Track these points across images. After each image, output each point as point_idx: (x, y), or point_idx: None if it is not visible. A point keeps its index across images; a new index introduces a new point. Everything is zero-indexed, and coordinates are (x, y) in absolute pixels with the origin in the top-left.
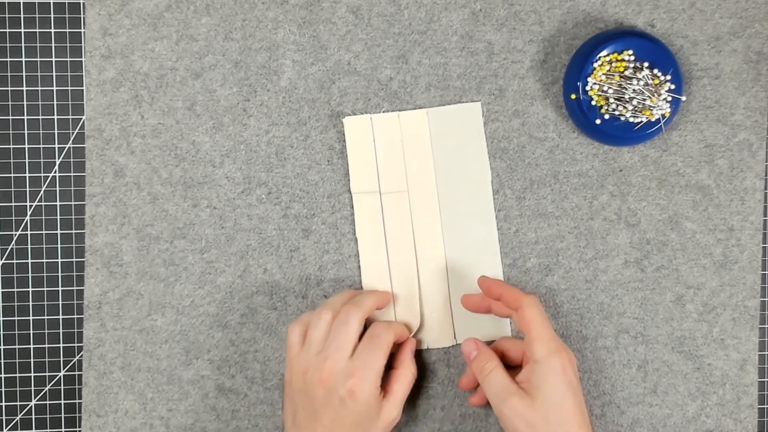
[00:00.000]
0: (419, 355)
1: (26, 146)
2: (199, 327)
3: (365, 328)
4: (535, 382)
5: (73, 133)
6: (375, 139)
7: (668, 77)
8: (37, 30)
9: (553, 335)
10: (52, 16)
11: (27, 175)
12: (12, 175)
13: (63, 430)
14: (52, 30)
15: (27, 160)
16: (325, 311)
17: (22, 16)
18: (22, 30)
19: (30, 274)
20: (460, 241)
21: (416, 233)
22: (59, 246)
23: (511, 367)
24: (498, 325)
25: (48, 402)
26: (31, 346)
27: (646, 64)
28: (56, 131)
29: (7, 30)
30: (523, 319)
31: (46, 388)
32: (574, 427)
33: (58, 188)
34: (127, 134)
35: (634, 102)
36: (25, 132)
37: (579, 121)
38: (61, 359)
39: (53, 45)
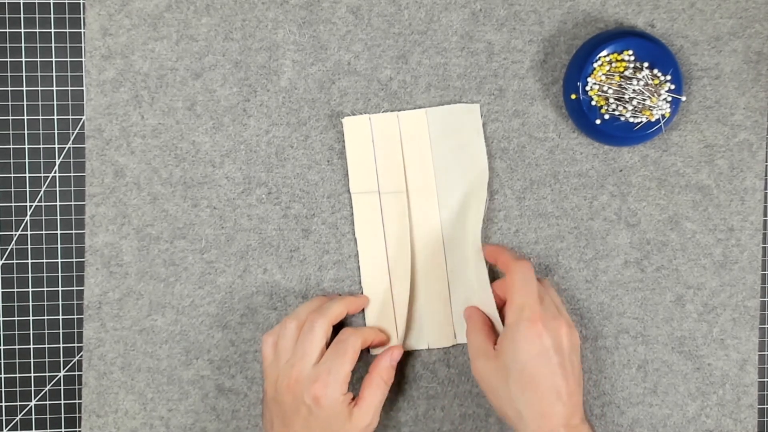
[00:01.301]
0: (420, 355)
1: (26, 146)
2: (199, 327)
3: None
4: (502, 346)
5: (73, 133)
6: (374, 139)
7: (668, 77)
8: (37, 30)
9: (533, 302)
10: (52, 16)
11: (27, 175)
12: (12, 175)
13: (63, 430)
14: (52, 30)
15: (27, 160)
16: (291, 320)
17: (22, 16)
18: (22, 30)
19: (30, 274)
20: (459, 241)
21: (415, 233)
22: (59, 246)
23: None
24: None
25: (48, 402)
26: (31, 346)
27: (646, 64)
28: (56, 131)
29: (7, 30)
30: (507, 286)
31: (46, 389)
32: (537, 397)
33: (58, 188)
34: (127, 134)
35: (634, 102)
36: (25, 132)
37: (579, 121)
38: (61, 359)
39: (53, 45)
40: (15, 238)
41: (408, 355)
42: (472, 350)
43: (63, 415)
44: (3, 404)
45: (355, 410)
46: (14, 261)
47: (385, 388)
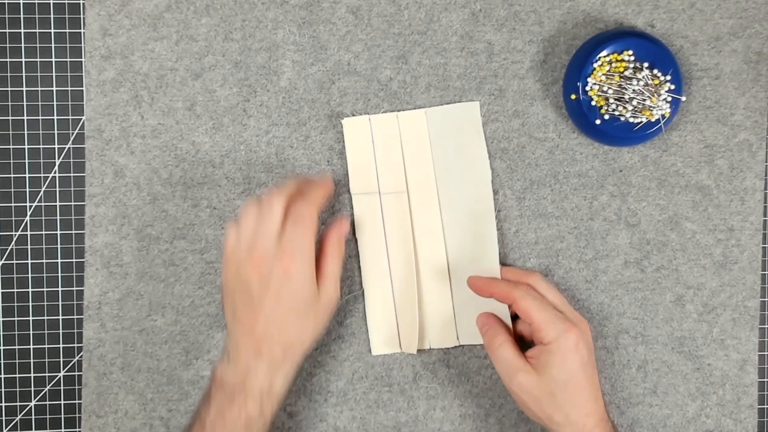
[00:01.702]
0: (420, 355)
1: (26, 146)
2: (199, 327)
3: None
4: (544, 361)
5: (73, 133)
6: (374, 139)
7: (668, 77)
8: (37, 30)
9: (556, 315)
10: (52, 16)
11: (27, 175)
12: (12, 175)
13: (63, 430)
14: (52, 30)
15: (27, 160)
16: (251, 205)
17: (22, 16)
18: (22, 30)
19: (30, 275)
20: (460, 241)
21: (416, 233)
22: (59, 246)
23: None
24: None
25: (48, 402)
26: (31, 346)
27: (646, 65)
28: (56, 131)
29: (7, 30)
30: (520, 312)
31: (46, 389)
32: (582, 400)
33: (58, 188)
34: (127, 134)
35: (634, 102)
36: (25, 132)
37: (579, 122)
38: (61, 359)
39: (53, 45)
40: (15, 238)
41: (408, 355)
42: (506, 366)
43: (63, 416)
44: (3, 404)
45: (321, 285)
46: (14, 261)
47: (340, 259)
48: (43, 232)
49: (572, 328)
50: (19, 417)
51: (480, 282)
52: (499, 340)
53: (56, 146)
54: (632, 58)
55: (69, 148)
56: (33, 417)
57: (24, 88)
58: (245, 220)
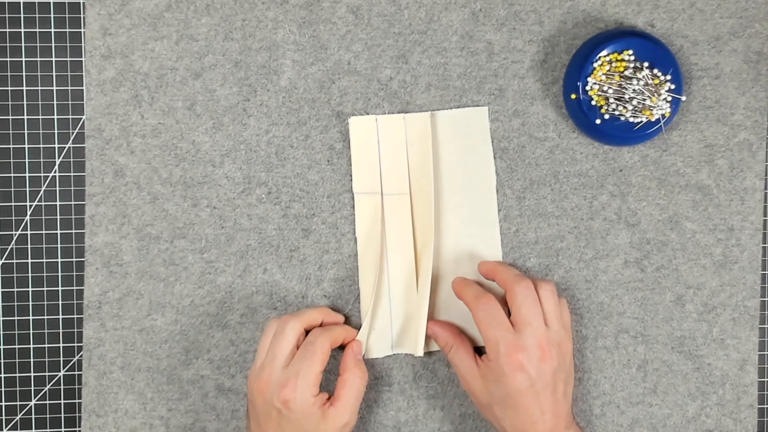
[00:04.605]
0: (419, 357)
1: (26, 146)
2: (199, 327)
3: None
4: (485, 369)
5: (73, 133)
6: (379, 140)
7: (668, 77)
8: (37, 30)
9: (507, 336)
10: (52, 16)
11: (27, 175)
12: (12, 175)
13: (63, 430)
14: (52, 30)
15: (27, 160)
16: (271, 325)
17: (22, 16)
18: (22, 30)
19: (30, 274)
20: (463, 245)
21: (416, 235)
22: (59, 246)
23: None
24: None
25: (48, 402)
26: (31, 346)
27: (646, 64)
28: (56, 131)
29: (7, 30)
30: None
31: (46, 388)
32: (520, 421)
33: (58, 188)
34: (127, 134)
35: (634, 102)
36: (25, 132)
37: (579, 121)
38: (61, 359)
39: (53, 45)
40: (15, 238)
41: (408, 356)
42: (460, 369)
43: (63, 415)
44: (3, 404)
45: (330, 410)
46: (14, 261)
47: (360, 383)
48: (43, 232)
49: (521, 351)
50: (19, 416)
51: (489, 264)
52: (451, 342)
53: (56, 146)
54: (632, 57)
55: (69, 147)
56: (33, 416)
57: (24, 88)
58: (264, 338)
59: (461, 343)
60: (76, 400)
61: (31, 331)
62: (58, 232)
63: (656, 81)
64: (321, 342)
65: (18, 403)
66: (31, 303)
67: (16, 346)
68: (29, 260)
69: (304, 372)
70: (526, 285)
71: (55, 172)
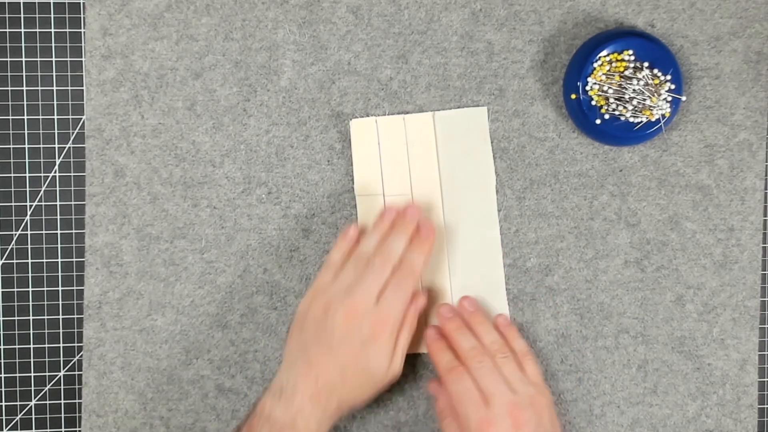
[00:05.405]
0: (420, 356)
1: (26, 146)
2: (199, 327)
3: None
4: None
5: (73, 133)
6: (380, 141)
7: (668, 77)
8: (37, 30)
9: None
10: (52, 16)
11: (27, 175)
12: (12, 175)
13: (63, 430)
14: (52, 30)
15: (27, 160)
16: (371, 238)
17: (22, 16)
18: (22, 30)
19: (30, 274)
20: (463, 246)
21: None
22: (59, 246)
23: None
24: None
25: (48, 402)
26: (31, 346)
27: (646, 64)
28: (56, 131)
29: (7, 30)
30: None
31: (46, 388)
32: None
33: (58, 188)
34: (127, 134)
35: (634, 102)
36: (25, 132)
37: (579, 121)
38: (61, 359)
39: (53, 45)
40: (15, 238)
41: (408, 356)
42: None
43: (63, 415)
44: (3, 404)
45: (393, 357)
46: (14, 261)
47: (410, 336)
48: (44, 232)
49: (492, 425)
50: (19, 416)
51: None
52: (447, 415)
53: (56, 146)
54: (632, 57)
55: (69, 147)
56: (33, 416)
57: (24, 88)
58: (348, 263)
59: (455, 418)
60: (76, 400)
61: (31, 331)
62: (58, 232)
63: (656, 81)
64: (414, 274)
65: (18, 403)
66: (31, 303)
67: (16, 346)
68: (29, 260)
69: (396, 309)
70: (479, 359)
71: (55, 172)
